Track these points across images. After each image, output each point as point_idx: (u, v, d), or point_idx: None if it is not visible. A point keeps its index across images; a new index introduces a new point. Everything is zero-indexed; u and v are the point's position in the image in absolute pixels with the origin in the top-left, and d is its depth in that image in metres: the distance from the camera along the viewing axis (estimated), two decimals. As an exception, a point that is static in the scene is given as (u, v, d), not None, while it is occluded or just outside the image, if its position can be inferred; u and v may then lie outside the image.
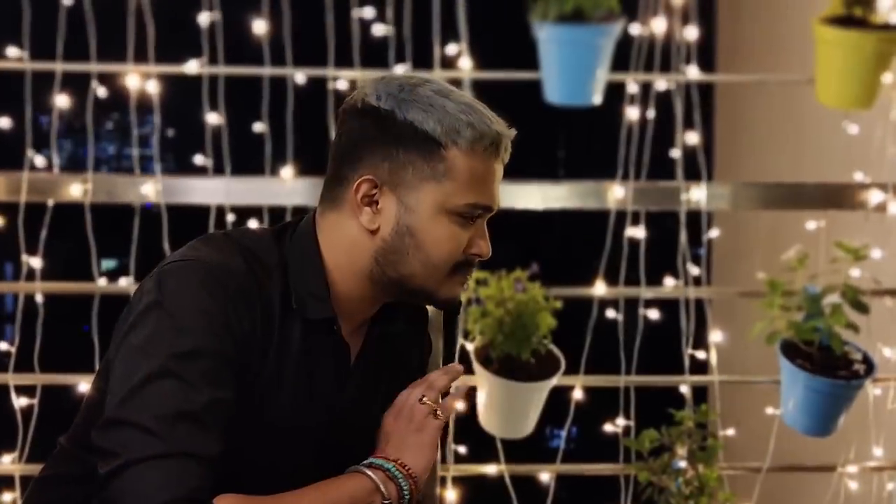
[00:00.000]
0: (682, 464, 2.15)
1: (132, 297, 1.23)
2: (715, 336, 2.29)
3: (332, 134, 1.41)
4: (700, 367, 2.36)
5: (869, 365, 2.13)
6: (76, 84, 2.28)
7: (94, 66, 2.27)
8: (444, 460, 2.24)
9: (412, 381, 1.41)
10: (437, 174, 1.22)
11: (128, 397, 1.12)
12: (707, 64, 3.51)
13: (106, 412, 1.14)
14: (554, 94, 2.16)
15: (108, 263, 2.32)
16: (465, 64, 2.25)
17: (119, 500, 1.10)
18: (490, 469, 2.27)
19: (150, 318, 1.17)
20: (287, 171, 2.24)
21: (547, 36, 2.09)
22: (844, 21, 2.16)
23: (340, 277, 1.28)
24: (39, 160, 2.25)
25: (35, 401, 2.21)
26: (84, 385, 2.20)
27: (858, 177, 2.36)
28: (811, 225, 2.39)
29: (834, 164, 2.51)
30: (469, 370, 2.18)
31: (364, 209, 1.24)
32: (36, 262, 2.23)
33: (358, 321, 1.33)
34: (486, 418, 2.20)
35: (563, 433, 2.27)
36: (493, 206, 1.27)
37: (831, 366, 2.11)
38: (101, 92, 2.29)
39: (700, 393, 2.42)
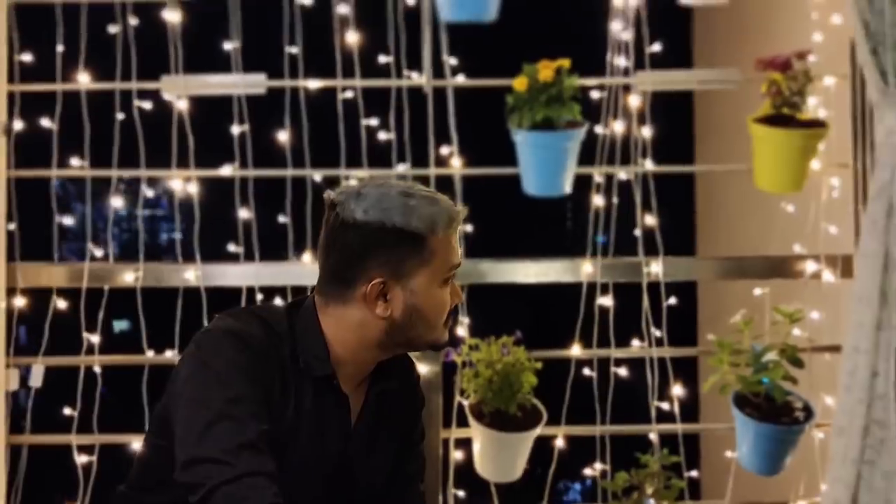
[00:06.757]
0: (651, 502, 2.47)
1: (179, 361, 1.51)
2: (677, 389, 2.63)
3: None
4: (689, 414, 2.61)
5: (808, 412, 2.47)
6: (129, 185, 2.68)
7: (143, 172, 2.68)
8: (445, 502, 2.57)
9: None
10: (427, 259, 1.50)
11: (198, 440, 1.39)
12: (686, 153, 4.01)
13: (182, 455, 1.40)
14: (530, 186, 2.55)
15: (120, 325, 2.70)
16: (456, 162, 2.64)
17: None
18: (485, 510, 2.60)
19: (199, 378, 1.45)
20: (307, 256, 2.62)
21: (522, 140, 2.49)
22: (775, 119, 2.54)
23: (344, 347, 1.53)
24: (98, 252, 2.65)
25: (94, 458, 2.57)
26: (136, 443, 2.57)
27: (797, 249, 2.72)
28: (760, 290, 2.72)
29: (788, 236, 2.86)
30: (465, 423, 2.52)
31: (377, 303, 1.50)
32: (95, 339, 2.61)
33: (358, 379, 1.58)
34: (481, 465, 2.53)
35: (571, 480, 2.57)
36: (461, 262, 1.57)
37: (776, 413, 2.44)
38: (150, 192, 2.70)
39: (674, 438, 2.69)
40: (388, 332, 1.52)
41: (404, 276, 1.49)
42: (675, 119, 4.25)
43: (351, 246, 1.50)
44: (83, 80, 2.66)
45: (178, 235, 2.63)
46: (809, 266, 2.63)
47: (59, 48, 2.63)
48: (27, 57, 2.65)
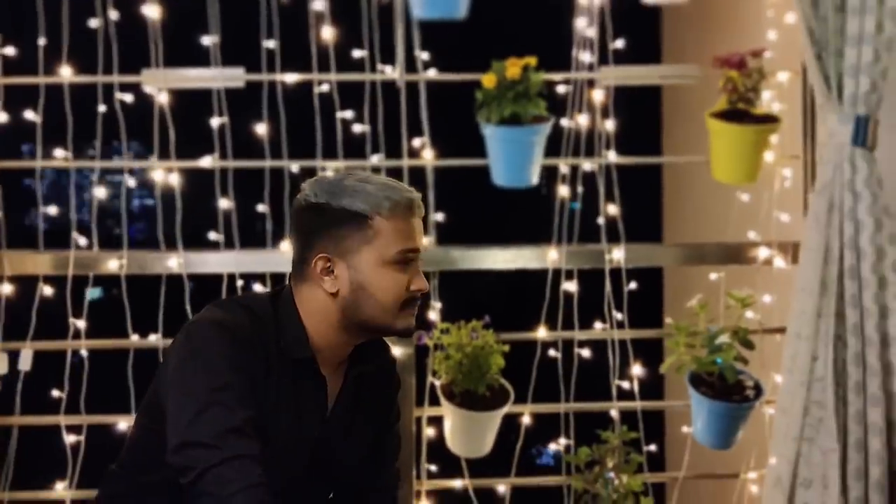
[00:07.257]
0: (612, 475, 2.62)
1: (168, 349, 1.61)
2: (638, 369, 2.78)
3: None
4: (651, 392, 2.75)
5: (758, 390, 2.63)
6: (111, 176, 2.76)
7: (126, 163, 2.77)
8: (418, 476, 2.72)
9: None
10: (369, 238, 1.58)
11: (189, 426, 1.50)
12: (654, 144, 4.16)
13: (173, 439, 1.51)
14: (499, 178, 2.67)
15: (92, 293, 2.79)
16: (428, 154, 2.75)
17: (207, 497, 1.46)
18: (456, 483, 2.74)
19: (189, 367, 1.55)
20: (285, 245, 2.71)
21: (491, 134, 2.60)
22: (730, 114, 2.67)
23: (316, 331, 1.63)
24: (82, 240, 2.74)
25: (82, 437, 2.68)
26: (123, 423, 2.68)
27: (751, 236, 2.87)
28: (715, 276, 2.88)
29: (744, 224, 3.01)
30: (437, 402, 2.66)
31: (325, 279, 1.60)
32: (81, 324, 2.71)
33: (336, 362, 1.68)
34: (452, 442, 2.67)
35: (544, 453, 2.71)
36: (419, 248, 1.62)
37: (728, 392, 2.59)
38: (132, 182, 2.79)
39: (636, 415, 2.83)
40: (343, 312, 1.61)
41: (347, 252, 1.59)
42: (643, 112, 4.38)
43: (302, 227, 1.63)
44: (65, 73, 2.73)
45: (151, 201, 2.71)
46: (762, 252, 2.78)
47: (42, 41, 2.70)
48: (10, 51, 2.71)
